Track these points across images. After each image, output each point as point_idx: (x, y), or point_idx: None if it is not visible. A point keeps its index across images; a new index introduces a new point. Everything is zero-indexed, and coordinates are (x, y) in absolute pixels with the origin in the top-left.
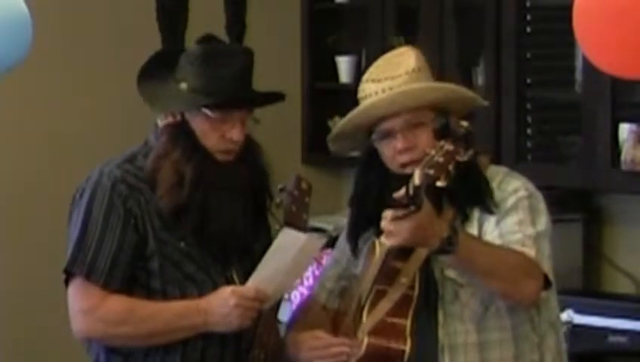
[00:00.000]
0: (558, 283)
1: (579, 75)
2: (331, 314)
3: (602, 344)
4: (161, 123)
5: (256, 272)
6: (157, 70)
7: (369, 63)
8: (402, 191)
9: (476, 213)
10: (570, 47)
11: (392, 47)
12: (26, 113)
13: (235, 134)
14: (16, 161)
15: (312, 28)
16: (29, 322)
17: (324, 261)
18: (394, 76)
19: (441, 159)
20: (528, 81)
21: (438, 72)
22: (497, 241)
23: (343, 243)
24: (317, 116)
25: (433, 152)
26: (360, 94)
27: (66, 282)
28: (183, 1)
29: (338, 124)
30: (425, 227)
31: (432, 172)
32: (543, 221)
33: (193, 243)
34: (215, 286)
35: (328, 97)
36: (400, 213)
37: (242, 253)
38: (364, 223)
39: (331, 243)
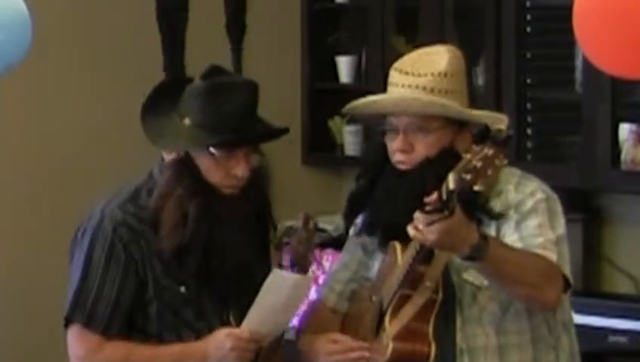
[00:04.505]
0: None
1: (579, 75)
2: (340, 317)
3: (602, 344)
4: (167, 156)
5: (251, 313)
6: (161, 102)
7: (369, 63)
8: (435, 195)
9: (486, 218)
10: (570, 47)
11: (391, 48)
12: (26, 115)
13: (240, 171)
14: (15, 164)
15: (312, 28)
16: (29, 335)
17: (325, 261)
18: (420, 74)
19: (479, 164)
20: (528, 81)
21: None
22: (518, 244)
23: (352, 246)
24: (317, 116)
25: (469, 156)
26: (388, 79)
27: (66, 325)
28: (183, 1)
29: (353, 104)
30: (455, 232)
31: (468, 177)
32: (562, 223)
33: (193, 287)
34: (212, 331)
35: (328, 97)
36: (434, 217)
37: (243, 288)
38: (356, 206)
39: (331, 243)
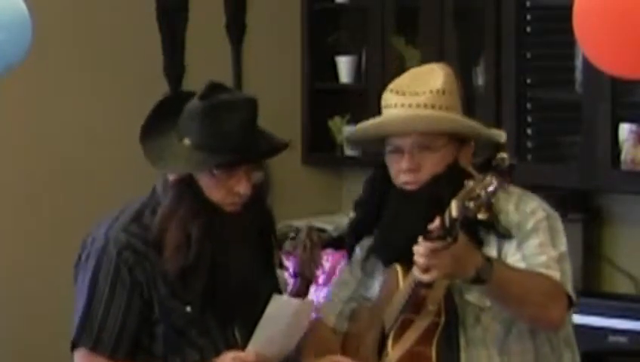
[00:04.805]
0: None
1: (579, 75)
2: (340, 336)
3: (602, 344)
4: (169, 176)
5: (255, 336)
6: (160, 121)
7: (369, 63)
8: (437, 223)
9: (494, 236)
10: (570, 47)
11: (391, 48)
12: (26, 115)
13: (242, 188)
14: (15, 164)
15: (312, 28)
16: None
17: (325, 261)
18: (418, 92)
19: (482, 192)
20: (528, 81)
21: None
22: (520, 264)
23: (352, 265)
24: (317, 116)
25: (472, 184)
26: (382, 102)
27: (73, 348)
28: (183, 1)
29: (351, 131)
30: (461, 258)
31: (471, 205)
32: (563, 241)
33: (198, 306)
34: (217, 349)
35: (328, 97)
36: (438, 245)
37: (249, 304)
38: (359, 231)
39: (331, 243)
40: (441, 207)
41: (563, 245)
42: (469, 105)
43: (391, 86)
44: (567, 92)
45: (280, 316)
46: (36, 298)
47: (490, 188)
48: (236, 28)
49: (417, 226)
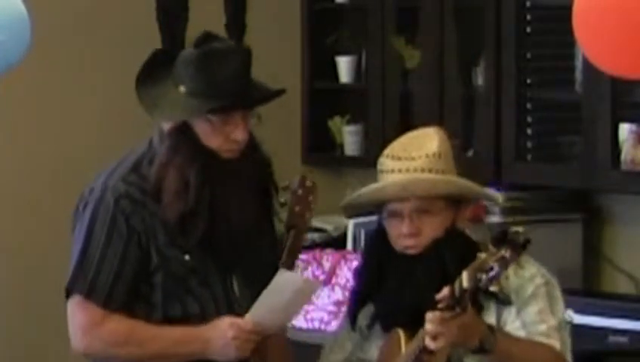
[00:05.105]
0: (559, 283)
1: (579, 75)
2: None
3: (602, 344)
4: (165, 126)
5: (256, 306)
6: (156, 70)
7: (369, 63)
8: (446, 292)
9: (493, 302)
10: (570, 47)
11: (391, 48)
12: (27, 115)
13: (239, 134)
14: (16, 164)
15: (312, 28)
16: (28, 336)
17: (325, 261)
18: (413, 157)
19: (495, 265)
20: (528, 81)
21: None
22: (520, 332)
23: (347, 327)
24: (317, 116)
25: (485, 256)
26: (378, 167)
27: (67, 296)
28: (183, 1)
29: (349, 197)
30: (467, 328)
31: (483, 277)
32: (562, 309)
33: (198, 254)
34: (215, 300)
35: (328, 97)
36: (448, 315)
37: (247, 253)
38: (363, 298)
39: (331, 243)
40: (445, 272)
41: (561, 312)
42: (469, 105)
43: (386, 151)
44: (567, 92)
45: (283, 290)
46: (37, 297)
47: (503, 262)
48: (236, 28)
49: (422, 292)
